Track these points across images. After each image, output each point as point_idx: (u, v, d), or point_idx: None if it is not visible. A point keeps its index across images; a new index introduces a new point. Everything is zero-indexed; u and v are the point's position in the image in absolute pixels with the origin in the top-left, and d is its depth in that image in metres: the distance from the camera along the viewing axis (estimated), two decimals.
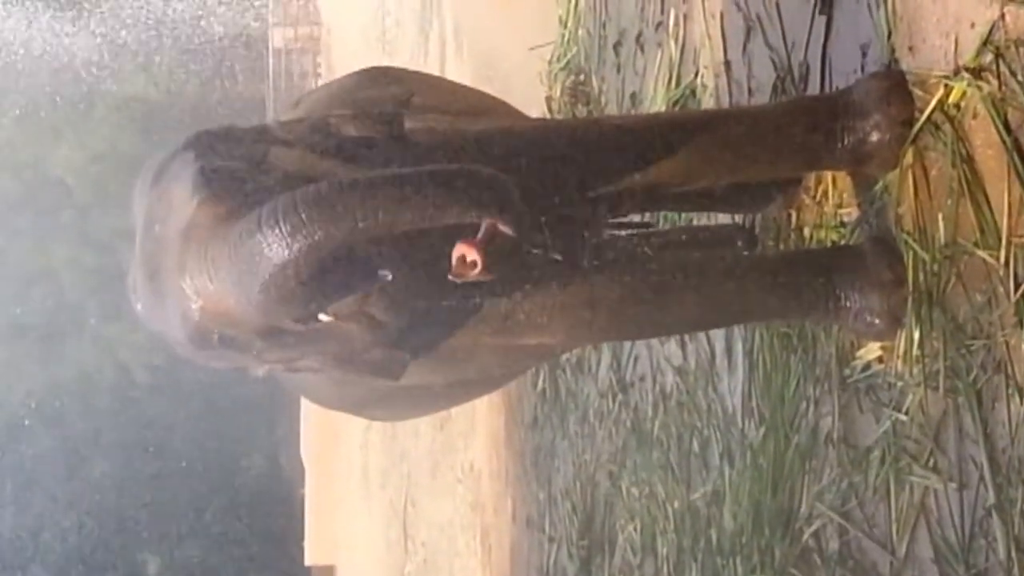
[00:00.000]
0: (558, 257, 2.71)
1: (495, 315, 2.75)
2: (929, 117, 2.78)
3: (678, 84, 4.31)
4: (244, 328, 2.50)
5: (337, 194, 2.30)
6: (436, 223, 2.37)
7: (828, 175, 3.23)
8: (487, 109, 3.24)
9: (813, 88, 3.33)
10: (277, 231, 2.30)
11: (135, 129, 21.12)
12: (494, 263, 2.43)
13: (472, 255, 2.41)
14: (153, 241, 2.55)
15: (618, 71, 4.93)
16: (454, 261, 2.43)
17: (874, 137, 2.88)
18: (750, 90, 3.73)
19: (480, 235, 2.42)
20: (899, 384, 2.95)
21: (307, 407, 14.99)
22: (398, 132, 2.68)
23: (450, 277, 2.45)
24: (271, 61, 18.80)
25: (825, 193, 3.27)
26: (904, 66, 2.89)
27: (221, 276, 2.40)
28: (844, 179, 3.18)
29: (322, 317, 2.48)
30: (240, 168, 2.50)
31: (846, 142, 2.92)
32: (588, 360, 5.26)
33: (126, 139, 21.05)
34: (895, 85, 2.86)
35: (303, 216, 2.29)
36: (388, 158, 2.60)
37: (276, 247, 2.31)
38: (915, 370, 2.87)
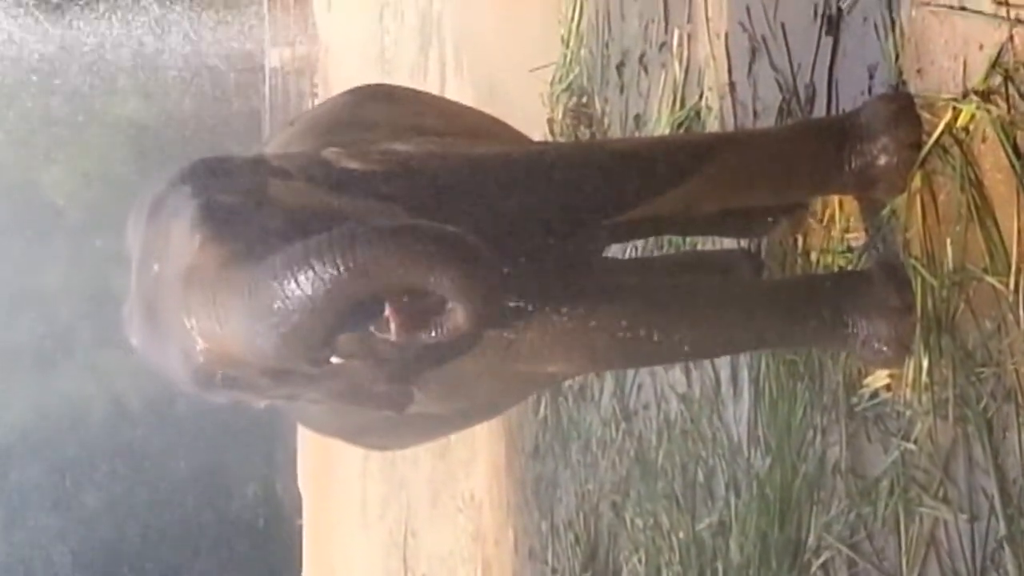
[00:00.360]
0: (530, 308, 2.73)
1: (497, 344, 2.75)
2: (937, 140, 2.80)
3: (682, 106, 4.32)
4: (251, 370, 2.50)
5: (350, 246, 2.31)
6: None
7: (835, 199, 3.24)
8: (487, 130, 3.26)
9: (819, 110, 3.34)
10: (296, 282, 2.30)
11: (128, 150, 21.16)
12: (414, 329, 2.44)
13: (393, 321, 2.43)
14: (151, 278, 2.55)
15: (621, 92, 4.95)
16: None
17: (881, 160, 2.89)
18: (755, 112, 3.75)
19: (416, 309, 2.42)
20: (908, 413, 2.96)
21: (304, 435, 14.98)
22: (396, 164, 2.68)
23: (371, 329, 2.47)
24: (267, 81, 18.85)
25: (832, 217, 3.28)
26: (912, 88, 2.91)
27: (232, 323, 2.39)
28: (851, 203, 3.19)
29: (334, 359, 2.49)
30: (240, 204, 2.50)
31: (853, 165, 2.93)
32: (591, 387, 5.26)
33: (119, 161, 21.10)
34: (903, 108, 2.88)
35: (321, 268, 2.30)
36: (388, 189, 2.61)
37: (296, 299, 2.31)
38: (924, 398, 2.88)
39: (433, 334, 2.42)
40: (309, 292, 2.30)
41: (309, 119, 3.19)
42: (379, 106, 3.17)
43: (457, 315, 2.39)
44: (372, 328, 2.45)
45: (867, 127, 2.91)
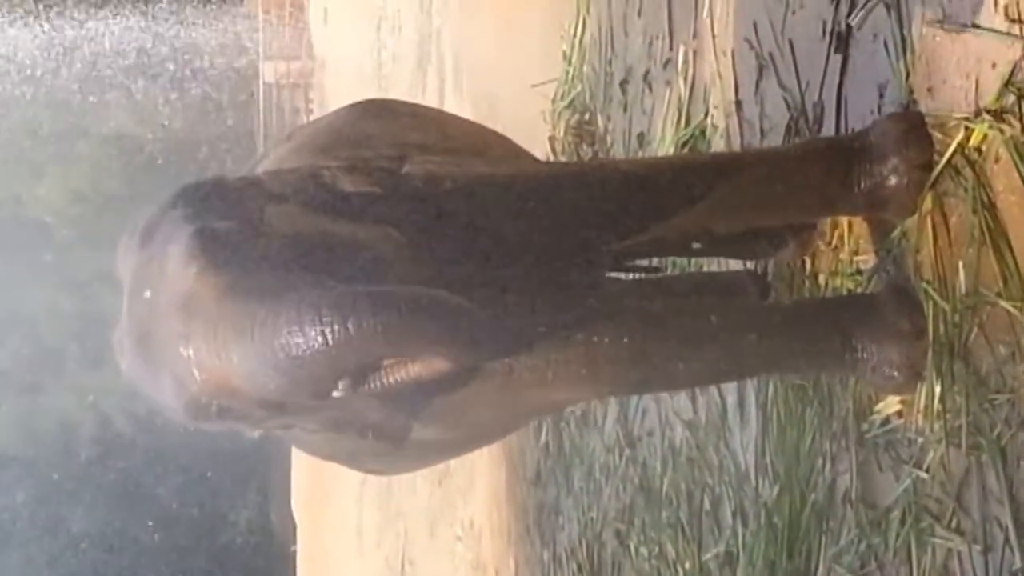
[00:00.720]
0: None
1: (497, 371, 2.75)
2: (949, 161, 2.80)
3: (687, 124, 4.34)
4: (248, 402, 2.51)
5: (368, 310, 2.35)
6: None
7: (844, 220, 3.25)
8: (488, 147, 3.25)
9: (828, 130, 3.35)
10: (304, 334, 2.34)
11: (119, 166, 21.21)
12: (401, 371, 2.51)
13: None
14: (144, 306, 2.55)
15: (625, 110, 4.97)
16: None
17: (892, 181, 2.89)
18: (762, 131, 3.76)
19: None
20: (919, 440, 2.95)
21: (299, 458, 14.97)
22: (396, 186, 2.69)
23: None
24: (262, 96, 18.91)
25: (841, 239, 3.28)
26: (923, 107, 2.91)
27: (233, 358, 2.41)
28: (860, 225, 3.19)
29: (336, 393, 2.51)
30: (236, 231, 2.51)
31: (862, 186, 2.93)
32: (594, 413, 5.26)
33: (109, 177, 21.14)
34: (913, 127, 2.88)
35: (337, 324, 2.33)
36: (387, 213, 2.61)
37: (305, 349, 2.35)
38: (936, 426, 2.88)
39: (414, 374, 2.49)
40: (317, 345, 2.34)
41: (305, 134, 3.19)
42: (377, 122, 3.17)
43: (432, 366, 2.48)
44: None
45: (877, 147, 2.91)
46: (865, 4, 3.15)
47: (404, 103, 3.55)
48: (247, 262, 2.46)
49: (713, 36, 4.16)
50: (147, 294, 2.54)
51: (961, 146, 2.77)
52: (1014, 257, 2.66)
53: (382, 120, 3.19)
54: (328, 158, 2.86)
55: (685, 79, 4.36)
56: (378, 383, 2.50)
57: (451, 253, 2.65)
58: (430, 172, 2.80)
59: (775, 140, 3.64)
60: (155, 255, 2.56)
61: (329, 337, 2.33)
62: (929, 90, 2.90)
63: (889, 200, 2.92)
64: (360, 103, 3.34)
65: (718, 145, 4.07)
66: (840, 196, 2.97)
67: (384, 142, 3.03)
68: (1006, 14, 2.64)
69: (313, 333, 2.33)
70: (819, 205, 3.07)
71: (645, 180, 2.98)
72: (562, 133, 5.64)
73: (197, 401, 2.50)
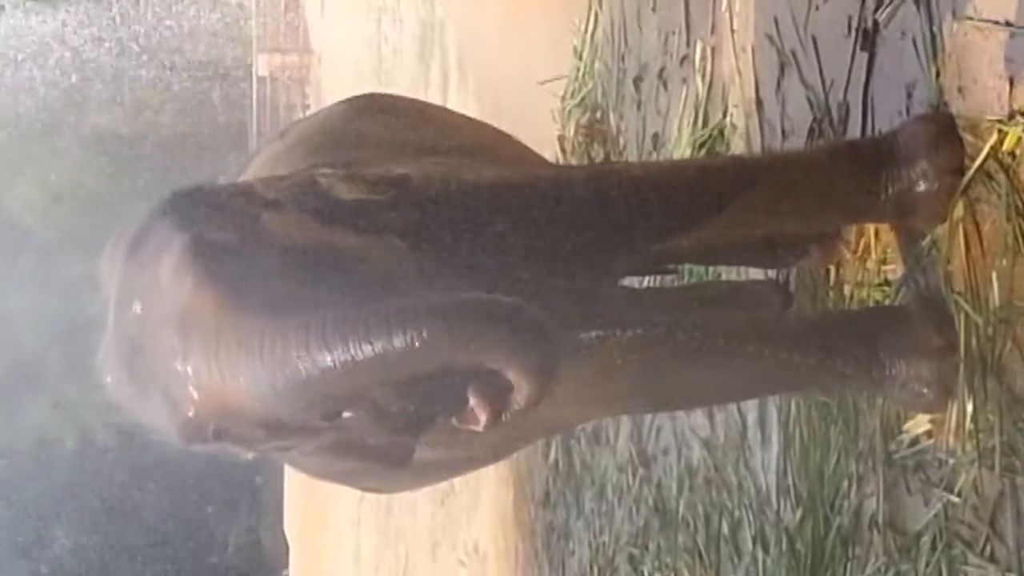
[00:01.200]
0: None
1: None
2: (981, 165, 2.81)
3: (705, 124, 4.35)
4: (248, 423, 2.50)
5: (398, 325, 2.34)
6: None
7: (870, 228, 3.26)
8: (493, 147, 3.25)
9: (853, 131, 3.36)
10: (329, 354, 2.32)
11: (103, 165, 21.23)
12: (499, 416, 2.48)
13: (481, 414, 2.46)
14: (133, 319, 2.55)
15: (638, 109, 4.98)
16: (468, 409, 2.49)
17: (920, 187, 2.90)
18: (784, 132, 3.77)
19: (494, 391, 2.46)
20: (951, 461, 2.96)
21: (292, 477, 14.97)
22: (395, 194, 2.70)
23: (454, 422, 2.50)
24: (255, 91, 18.92)
25: (867, 247, 3.30)
26: (953, 109, 2.92)
27: (239, 377, 2.39)
28: (888, 232, 3.20)
29: (345, 414, 2.52)
30: (234, 240, 2.51)
31: (889, 192, 2.94)
32: (606, 430, 5.27)
33: (93, 176, 21.17)
34: (943, 130, 2.89)
35: (356, 347, 2.32)
36: (387, 221, 2.62)
37: (327, 371, 2.33)
38: (968, 446, 2.88)
39: (511, 412, 2.46)
40: (341, 366, 2.32)
41: (299, 133, 3.19)
42: (374, 120, 3.17)
43: (523, 392, 2.42)
44: (455, 421, 2.50)
45: (904, 150, 2.92)
46: None
47: (402, 99, 3.56)
48: (247, 274, 2.45)
49: (732, 31, 4.17)
50: (137, 308, 2.54)
51: (994, 150, 2.78)
52: None
53: (379, 118, 3.19)
54: (323, 161, 2.87)
55: (703, 77, 4.37)
56: (378, 400, 2.50)
57: (455, 262, 2.66)
58: (429, 177, 2.80)
59: (797, 142, 3.65)
60: (146, 266, 2.55)
61: (345, 357, 2.31)
62: (960, 90, 2.91)
63: (918, 207, 2.92)
64: (356, 99, 3.34)
65: (737, 147, 4.08)
66: (866, 202, 2.97)
67: (381, 143, 3.04)
68: None
69: (327, 353, 2.31)
70: (843, 211, 3.08)
71: (659, 186, 2.98)
72: (572, 133, 5.66)
73: (193, 423, 2.49)
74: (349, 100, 3.32)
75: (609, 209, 2.87)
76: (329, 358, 2.31)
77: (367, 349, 2.29)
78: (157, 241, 2.54)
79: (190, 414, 2.48)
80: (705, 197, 2.93)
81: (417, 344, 2.29)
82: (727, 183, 2.97)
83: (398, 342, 2.29)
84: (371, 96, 3.44)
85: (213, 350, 2.41)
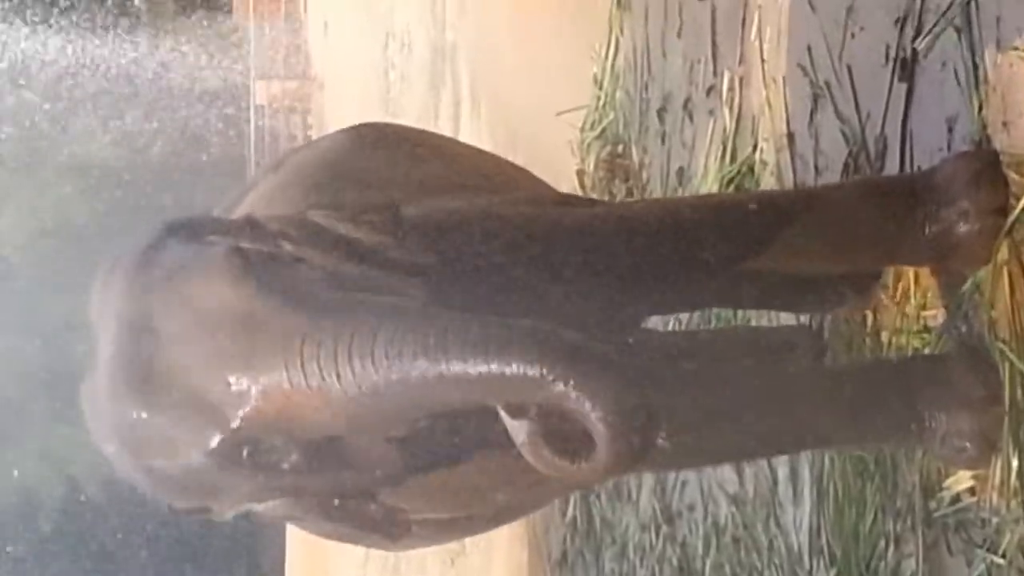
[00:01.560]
0: None
1: (511, 443, 2.76)
2: None
3: (733, 159, 4.36)
4: (301, 434, 2.51)
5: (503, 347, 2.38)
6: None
7: (909, 271, 3.27)
8: (505, 183, 3.25)
9: (891, 167, 3.37)
10: (390, 365, 2.39)
11: (90, 197, 21.26)
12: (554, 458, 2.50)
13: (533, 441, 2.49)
14: (147, 342, 2.55)
15: (662, 142, 4.99)
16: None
17: (961, 227, 2.91)
18: (817, 168, 3.78)
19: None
20: (995, 520, 2.96)
21: (293, 534, 14.95)
22: (399, 236, 2.72)
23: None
24: (253, 119, 18.95)
25: (906, 292, 3.30)
26: (997, 144, 2.94)
27: (310, 381, 2.44)
28: (928, 276, 3.21)
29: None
30: (274, 252, 2.57)
31: (928, 232, 2.95)
32: (627, 485, 5.26)
33: (80, 209, 21.20)
34: (986, 167, 2.90)
35: (449, 364, 2.38)
36: (395, 262, 2.64)
37: (415, 387, 2.40)
38: (1013, 503, 2.89)
39: (571, 468, 2.47)
40: (435, 381, 2.39)
41: (295, 166, 3.17)
42: (376, 154, 3.16)
43: (602, 452, 2.41)
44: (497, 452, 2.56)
45: (945, 188, 2.93)
46: (933, 28, 3.18)
47: (405, 129, 3.54)
48: (296, 279, 2.52)
49: (762, 60, 4.19)
50: (155, 328, 2.55)
51: None
52: None
53: (381, 152, 3.19)
54: (320, 201, 2.87)
55: (731, 108, 4.39)
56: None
57: (463, 305, 2.67)
58: (434, 218, 2.81)
59: (831, 178, 3.66)
60: (162, 285, 2.57)
61: (436, 372, 2.37)
62: (1004, 125, 2.92)
63: (959, 248, 2.93)
64: (355, 129, 3.33)
65: (767, 183, 4.09)
66: (903, 243, 2.98)
67: (383, 179, 3.04)
68: None
69: (434, 366, 2.37)
70: (879, 253, 3.09)
71: (682, 227, 2.99)
72: (592, 167, 5.66)
73: (232, 438, 2.49)
74: (351, 130, 3.31)
75: (628, 252, 2.88)
76: (432, 370, 2.37)
77: (470, 368, 2.36)
78: (175, 260, 2.58)
79: (233, 425, 2.48)
80: (730, 238, 2.94)
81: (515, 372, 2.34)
82: (755, 221, 2.98)
83: (506, 368, 2.35)
84: (374, 126, 3.43)
85: (283, 353, 2.44)
